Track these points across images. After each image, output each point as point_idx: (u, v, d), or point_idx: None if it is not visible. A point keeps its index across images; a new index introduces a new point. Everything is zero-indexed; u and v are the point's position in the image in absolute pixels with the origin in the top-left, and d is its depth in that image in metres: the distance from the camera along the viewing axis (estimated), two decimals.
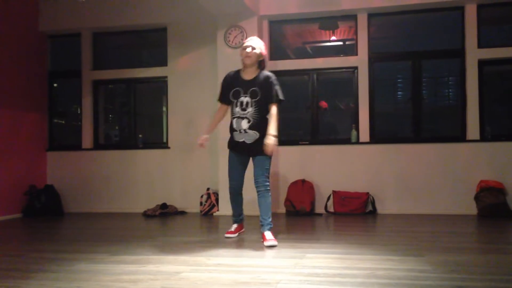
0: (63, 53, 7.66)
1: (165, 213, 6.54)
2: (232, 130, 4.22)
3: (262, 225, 4.17)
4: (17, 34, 6.82)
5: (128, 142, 7.37)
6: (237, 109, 4.14)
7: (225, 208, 6.44)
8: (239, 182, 4.32)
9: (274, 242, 3.98)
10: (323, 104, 6.85)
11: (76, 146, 7.33)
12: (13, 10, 6.75)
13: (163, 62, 7.14)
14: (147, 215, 6.49)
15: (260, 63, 4.28)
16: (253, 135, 4.13)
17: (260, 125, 4.11)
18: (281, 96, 4.19)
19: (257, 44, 4.21)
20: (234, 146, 4.26)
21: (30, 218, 6.56)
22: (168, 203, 6.76)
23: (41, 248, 4.26)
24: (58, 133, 7.61)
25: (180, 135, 7.00)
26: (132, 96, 7.34)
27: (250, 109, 4.10)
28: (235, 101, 4.15)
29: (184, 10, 6.91)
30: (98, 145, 7.37)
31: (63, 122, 7.90)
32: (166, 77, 7.11)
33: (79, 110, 7.48)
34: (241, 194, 4.43)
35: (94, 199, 7.16)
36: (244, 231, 4.66)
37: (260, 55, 4.23)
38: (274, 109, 4.12)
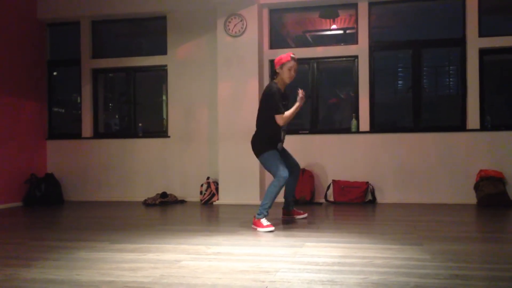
0: (62, 41, 7.63)
1: (165, 202, 6.56)
2: (278, 140, 4.60)
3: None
4: (15, 22, 6.78)
5: (128, 131, 7.37)
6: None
7: (225, 197, 6.46)
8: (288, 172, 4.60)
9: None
10: (334, 100, 6.96)
11: (76, 134, 7.33)
12: None
13: (162, 51, 7.11)
14: (147, 204, 6.51)
15: None
16: (284, 133, 4.70)
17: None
18: None
19: None
20: (279, 145, 4.65)
21: (30, 206, 6.58)
22: (168, 192, 6.77)
23: (41, 236, 4.27)
24: (58, 122, 7.61)
25: (180, 124, 7.00)
26: (132, 85, 7.32)
27: None
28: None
29: None
30: (98, 134, 7.37)
31: (62, 110, 7.89)
32: (165, 65, 7.09)
33: (78, 99, 7.47)
34: None
35: (94, 188, 7.17)
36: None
37: None
38: None
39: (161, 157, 7.04)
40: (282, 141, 4.68)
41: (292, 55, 4.55)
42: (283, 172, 4.42)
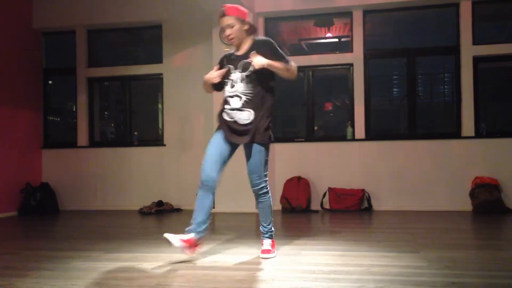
0: (58, 50, 7.63)
1: (161, 210, 6.54)
2: (221, 112, 3.46)
3: (262, 233, 3.56)
4: (11, 31, 6.78)
5: (123, 139, 7.36)
6: (227, 87, 3.42)
7: (221, 205, 6.45)
8: (213, 175, 3.32)
9: (271, 254, 3.42)
10: (329, 104, 6.96)
11: (72, 143, 7.30)
12: (7, 7, 6.70)
13: (158, 59, 7.12)
14: (143, 212, 6.49)
15: (248, 31, 3.45)
16: (247, 115, 3.34)
17: (255, 102, 3.34)
18: (286, 57, 3.39)
19: (233, 19, 3.37)
20: (222, 127, 3.44)
21: (26, 216, 6.54)
22: (164, 201, 6.76)
23: (36, 246, 4.25)
24: (53, 131, 7.59)
25: (175, 132, 6.99)
26: (128, 93, 7.32)
27: (240, 84, 3.36)
28: (226, 81, 3.44)
29: (179, 7, 6.90)
30: (93, 143, 7.35)
31: (58, 119, 7.88)
32: (161, 74, 7.10)
33: (74, 107, 7.46)
34: (211, 193, 3.36)
35: (89, 197, 7.14)
36: (200, 247, 3.42)
37: (243, 25, 3.40)
38: (286, 67, 3.35)
39: (156, 166, 7.02)
40: (232, 123, 3.37)
41: (222, 8, 3.42)
42: (203, 170, 3.33)
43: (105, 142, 7.54)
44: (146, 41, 7.61)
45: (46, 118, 7.49)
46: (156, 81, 7.23)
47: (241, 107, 3.35)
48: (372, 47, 6.67)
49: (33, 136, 7.20)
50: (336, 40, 7.20)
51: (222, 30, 3.47)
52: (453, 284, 2.61)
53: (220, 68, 3.53)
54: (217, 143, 3.41)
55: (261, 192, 3.45)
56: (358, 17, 6.56)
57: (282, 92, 7.03)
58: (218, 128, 3.47)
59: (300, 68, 6.68)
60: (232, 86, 3.39)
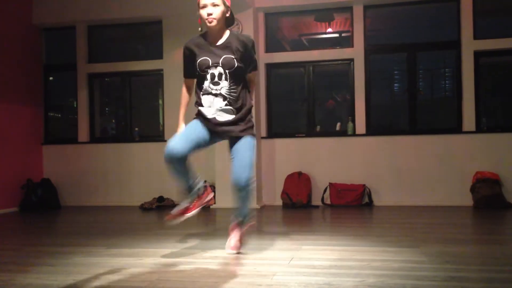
0: (58, 46, 7.62)
1: (162, 206, 6.55)
2: (200, 106, 3.39)
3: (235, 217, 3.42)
4: (10, 27, 6.77)
5: (124, 135, 7.36)
6: (207, 83, 3.21)
7: (222, 201, 6.45)
8: (183, 149, 3.33)
9: (234, 250, 3.32)
10: (331, 102, 6.96)
11: (72, 139, 7.31)
12: (6, 3, 6.69)
13: (158, 55, 7.11)
14: (144, 208, 6.50)
15: (227, 20, 3.27)
16: (230, 112, 3.23)
17: (237, 101, 3.21)
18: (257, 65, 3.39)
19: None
20: (203, 120, 3.39)
21: (27, 212, 6.55)
22: (164, 196, 6.76)
23: (37, 241, 4.26)
24: (54, 127, 7.59)
25: (176, 128, 6.95)
26: (128, 89, 7.32)
27: (224, 83, 3.17)
28: (204, 74, 3.21)
29: (179, 3, 6.87)
30: (94, 139, 7.36)
31: (59, 115, 7.88)
32: (162, 70, 7.09)
33: (74, 103, 7.46)
34: (183, 160, 3.45)
35: (90, 193, 7.15)
36: (211, 199, 3.63)
37: (226, 10, 3.21)
38: (255, 78, 3.46)
39: (157, 162, 6.98)
40: (212, 121, 3.30)
41: None
42: (169, 143, 3.35)
43: (106, 138, 7.54)
44: (147, 37, 7.60)
45: (46, 114, 7.49)
46: (157, 77, 7.23)
47: (225, 107, 3.21)
48: (373, 42, 6.66)
49: (33, 132, 7.20)
50: (337, 35, 7.19)
51: (202, 6, 3.19)
52: (453, 279, 2.62)
53: (188, 55, 3.34)
54: (194, 126, 3.36)
55: (250, 181, 3.20)
56: (358, 12, 6.54)
57: (283, 87, 7.04)
58: (199, 119, 3.36)
59: (301, 64, 6.78)
60: (215, 83, 3.17)
